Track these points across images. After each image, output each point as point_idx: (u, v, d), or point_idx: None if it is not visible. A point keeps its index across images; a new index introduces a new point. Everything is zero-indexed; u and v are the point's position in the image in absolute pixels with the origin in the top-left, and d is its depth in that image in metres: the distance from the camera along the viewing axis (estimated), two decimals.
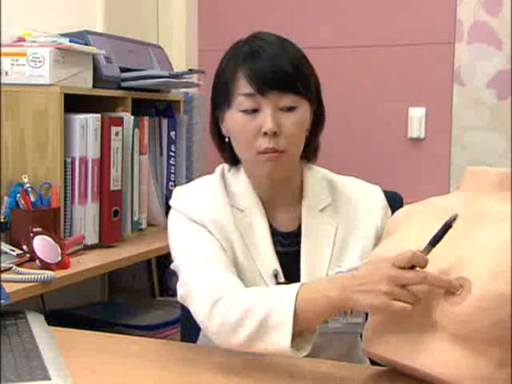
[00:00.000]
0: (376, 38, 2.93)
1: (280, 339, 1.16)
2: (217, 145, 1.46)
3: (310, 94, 1.37)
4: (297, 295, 1.17)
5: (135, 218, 2.24)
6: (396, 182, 2.40)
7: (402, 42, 2.89)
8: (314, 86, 1.39)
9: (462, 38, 2.79)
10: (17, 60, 1.99)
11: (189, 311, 1.40)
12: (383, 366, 1.25)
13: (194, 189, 1.45)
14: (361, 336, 1.40)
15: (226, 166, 1.47)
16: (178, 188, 1.47)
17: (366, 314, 1.43)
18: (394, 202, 1.76)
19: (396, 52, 2.90)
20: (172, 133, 2.43)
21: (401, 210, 1.36)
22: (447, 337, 1.09)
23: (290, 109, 1.34)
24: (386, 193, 1.55)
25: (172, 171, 2.45)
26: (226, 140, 1.41)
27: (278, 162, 1.34)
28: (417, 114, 2.87)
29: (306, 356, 1.35)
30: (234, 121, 1.35)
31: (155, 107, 2.49)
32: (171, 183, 2.42)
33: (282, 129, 1.32)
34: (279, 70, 1.32)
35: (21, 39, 2.05)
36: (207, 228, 1.36)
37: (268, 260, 1.38)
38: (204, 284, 1.27)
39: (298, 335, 1.18)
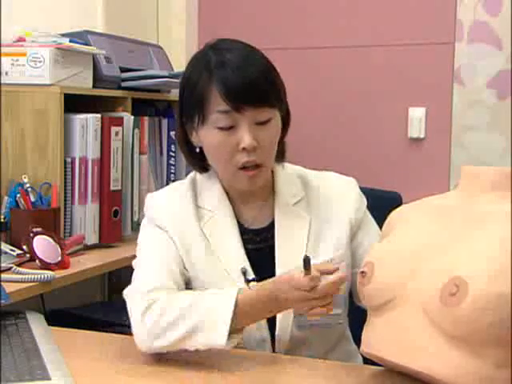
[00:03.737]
0: (376, 37, 2.92)
1: (216, 337, 1.22)
2: (185, 154, 1.45)
3: (280, 103, 1.37)
4: (237, 296, 1.24)
5: (135, 218, 2.24)
6: (396, 182, 2.40)
7: (402, 42, 2.89)
8: (283, 93, 1.38)
9: (462, 38, 2.79)
10: (17, 60, 1.99)
11: None
12: (379, 364, 1.25)
13: (163, 195, 1.48)
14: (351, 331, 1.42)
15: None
16: (150, 194, 1.50)
17: (350, 305, 1.44)
18: (394, 202, 1.76)
19: (396, 52, 2.90)
20: (172, 133, 2.43)
21: (396, 210, 1.35)
22: (445, 338, 1.09)
23: (266, 122, 1.33)
24: (385, 193, 1.55)
25: (172, 171, 2.45)
26: (197, 150, 1.40)
27: (257, 177, 1.36)
28: (417, 114, 2.87)
29: (288, 353, 1.36)
30: (211, 137, 1.34)
31: (155, 107, 2.49)
32: (171, 183, 2.42)
33: (259, 142, 1.32)
34: (253, 85, 1.30)
35: (21, 39, 2.05)
36: (169, 233, 1.40)
37: (235, 258, 1.39)
38: (142, 288, 1.32)
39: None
